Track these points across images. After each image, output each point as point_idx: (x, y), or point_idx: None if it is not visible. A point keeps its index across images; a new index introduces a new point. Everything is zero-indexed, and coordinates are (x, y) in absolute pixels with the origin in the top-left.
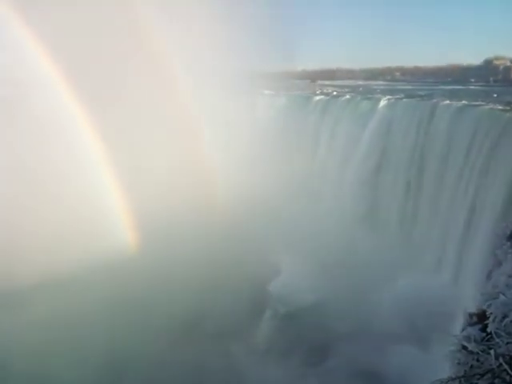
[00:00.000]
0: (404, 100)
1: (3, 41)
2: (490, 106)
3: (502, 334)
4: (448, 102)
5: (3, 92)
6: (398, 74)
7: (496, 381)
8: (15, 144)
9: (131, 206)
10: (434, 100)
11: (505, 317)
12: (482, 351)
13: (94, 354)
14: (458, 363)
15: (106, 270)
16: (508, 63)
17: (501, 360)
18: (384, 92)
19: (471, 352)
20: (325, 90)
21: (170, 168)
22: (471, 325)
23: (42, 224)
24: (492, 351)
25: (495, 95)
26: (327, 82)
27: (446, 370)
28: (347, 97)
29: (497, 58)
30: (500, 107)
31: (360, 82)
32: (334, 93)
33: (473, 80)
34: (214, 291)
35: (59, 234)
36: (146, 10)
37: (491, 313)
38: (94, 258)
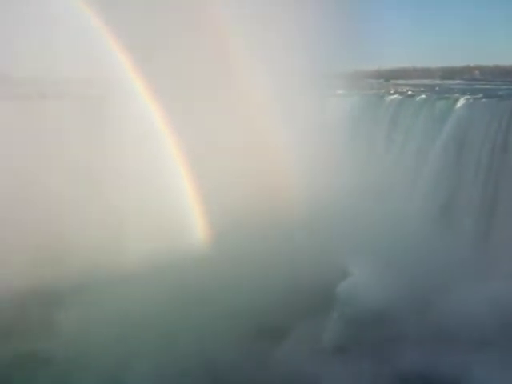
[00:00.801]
0: (483, 100)
1: (87, 40)
2: None
3: None
4: None
5: (89, 92)
6: (477, 72)
7: None
8: (98, 142)
9: (204, 203)
10: None
11: None
12: None
13: (160, 353)
14: None
15: (175, 267)
16: None
17: None
18: (462, 91)
19: None
20: (399, 90)
21: (245, 169)
22: None
23: (112, 217)
24: None
25: None
26: (402, 81)
27: None
28: (423, 96)
29: None
30: None
31: (437, 81)
32: (409, 92)
33: None
34: (281, 291)
35: (129, 226)
36: (223, 9)
37: None
38: (164, 254)
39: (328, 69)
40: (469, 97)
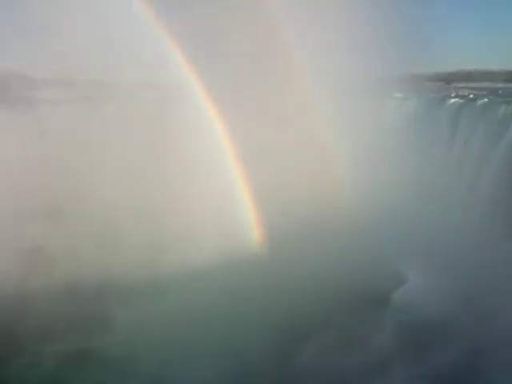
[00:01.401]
0: None
1: (149, 42)
2: None
3: None
4: None
5: (150, 95)
6: None
7: None
8: (159, 144)
9: (259, 203)
10: None
11: None
12: None
13: (217, 354)
14: None
15: (233, 266)
16: None
17: None
18: None
19: None
20: (460, 93)
21: (300, 170)
22: None
23: (174, 218)
24: None
25: None
26: (463, 84)
27: None
28: (485, 100)
29: None
30: None
31: (499, 85)
32: (471, 95)
33: None
34: (334, 295)
35: (186, 227)
36: (282, 10)
37: None
38: (220, 254)
39: (386, 71)
40: None
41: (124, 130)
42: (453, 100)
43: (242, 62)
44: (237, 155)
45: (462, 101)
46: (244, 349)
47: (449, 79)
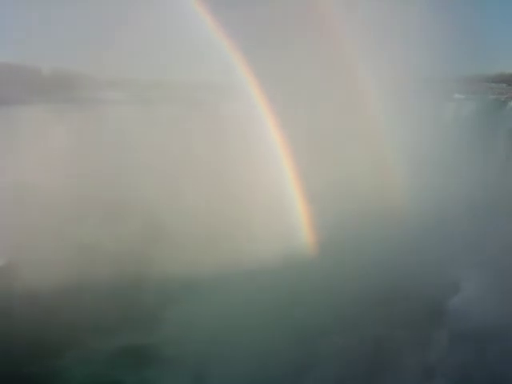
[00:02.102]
0: None
1: (203, 45)
2: None
3: None
4: None
5: (200, 96)
6: None
7: None
8: (207, 144)
9: (311, 203)
10: None
11: None
12: None
13: (262, 354)
14: None
15: (283, 267)
16: None
17: None
18: None
19: None
20: None
21: (350, 168)
22: None
23: (226, 218)
24: None
25: None
26: None
27: None
28: None
29: None
30: None
31: None
32: None
33: None
34: (386, 301)
35: (238, 226)
36: (338, 9)
37: None
38: (272, 254)
39: (447, 72)
40: None
41: (181, 130)
42: None
43: (299, 61)
44: (290, 154)
45: None
46: (290, 350)
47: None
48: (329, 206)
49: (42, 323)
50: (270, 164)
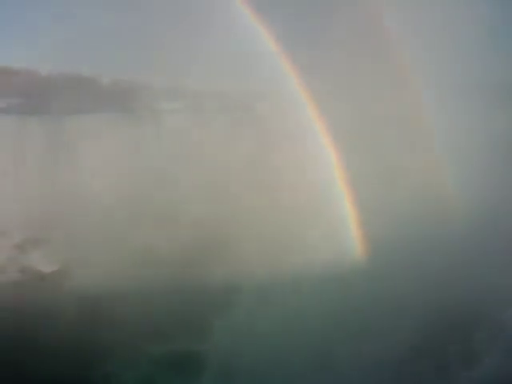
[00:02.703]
0: None
1: (257, 54)
2: None
3: None
4: None
5: (255, 105)
6: None
7: None
8: (260, 153)
9: (361, 210)
10: None
11: None
12: None
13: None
14: None
15: (333, 276)
16: None
17: None
18: None
19: None
20: None
21: (401, 173)
22: None
23: (275, 225)
24: None
25: None
26: None
27: None
28: None
29: None
30: None
31: None
32: None
33: None
34: (440, 314)
35: (287, 234)
36: (387, 10)
37: None
38: (321, 262)
39: (497, 77)
40: None
41: (235, 139)
42: None
43: (353, 68)
44: (340, 162)
45: None
46: (340, 361)
47: None
48: (378, 213)
49: (96, 326)
50: (324, 173)
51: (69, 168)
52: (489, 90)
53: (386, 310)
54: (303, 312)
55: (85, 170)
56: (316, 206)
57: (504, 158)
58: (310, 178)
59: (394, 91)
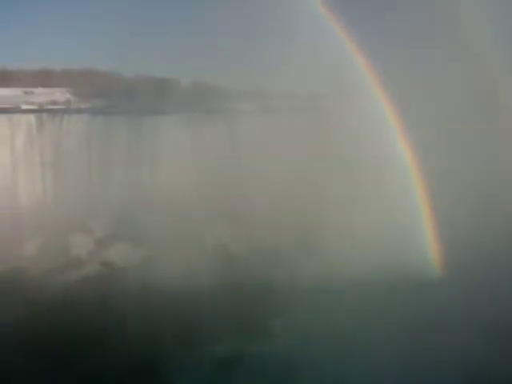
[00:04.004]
0: None
1: (331, 56)
2: None
3: None
4: None
5: (326, 105)
6: None
7: None
8: (333, 154)
9: (436, 218)
10: None
11: None
12: None
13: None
14: None
15: (403, 284)
16: None
17: None
18: None
19: None
20: None
21: (481, 176)
22: None
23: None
24: None
25: None
26: None
27: None
28: None
29: None
30: None
31: None
32: None
33: None
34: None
35: (358, 238)
36: (465, 8)
37: None
38: (389, 269)
39: None
40: None
41: (308, 140)
42: None
43: (430, 68)
44: (415, 162)
45: None
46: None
47: None
48: (457, 219)
49: (166, 322)
50: (393, 172)
51: (149, 167)
52: None
53: (458, 317)
54: (375, 316)
55: (164, 169)
56: (390, 206)
57: None
58: (386, 178)
59: (477, 91)
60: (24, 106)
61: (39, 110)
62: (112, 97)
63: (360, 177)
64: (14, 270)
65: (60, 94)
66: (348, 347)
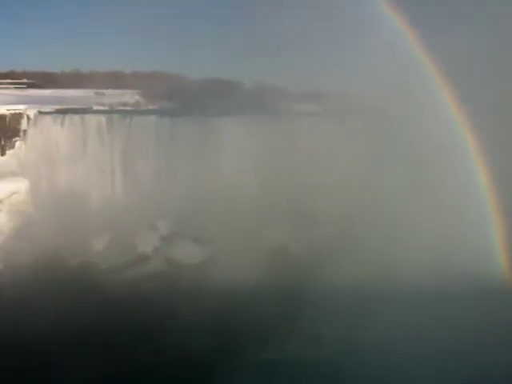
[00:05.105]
0: None
1: (394, 56)
2: None
3: None
4: None
5: (390, 107)
6: None
7: None
8: (398, 157)
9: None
10: None
11: None
12: None
13: None
14: None
15: (469, 290)
16: None
17: None
18: None
19: None
20: None
21: None
22: None
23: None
24: None
25: None
26: None
27: None
28: None
29: None
30: None
31: None
32: None
33: None
34: None
35: (423, 240)
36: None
37: None
38: (456, 274)
39: None
40: None
41: (373, 142)
42: None
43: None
44: (486, 166)
45: None
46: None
47: None
48: None
49: (224, 321)
50: (458, 173)
51: (214, 168)
52: None
53: None
54: (440, 325)
55: (228, 170)
56: (458, 207)
57: None
58: (453, 179)
59: None
60: (95, 107)
61: (109, 111)
62: (179, 98)
63: (426, 178)
64: (84, 265)
65: (130, 96)
66: (405, 359)
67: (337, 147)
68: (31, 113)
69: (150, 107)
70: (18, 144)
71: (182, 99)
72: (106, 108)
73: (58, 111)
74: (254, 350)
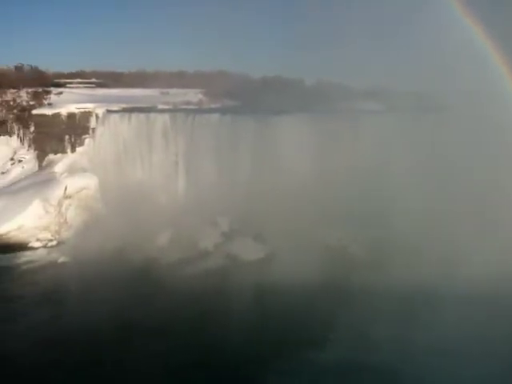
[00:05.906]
0: None
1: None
2: None
3: None
4: None
5: (458, 105)
6: None
7: None
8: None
9: None
10: None
11: None
12: None
13: None
14: None
15: None
16: None
17: None
18: None
19: None
20: None
21: None
22: None
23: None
24: None
25: None
26: None
27: None
28: None
29: None
30: None
31: None
32: None
33: None
34: None
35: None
36: None
37: None
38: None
39: None
40: None
41: (432, 139)
42: None
43: None
44: None
45: None
46: None
47: None
48: None
49: (276, 319)
50: None
51: (275, 165)
52: None
53: None
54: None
55: (289, 168)
56: None
57: None
58: None
59: None
60: (160, 106)
61: (173, 110)
62: (241, 97)
63: (496, 177)
64: (149, 259)
65: (193, 95)
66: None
67: (399, 145)
68: (100, 111)
69: (213, 106)
70: (87, 141)
71: (243, 98)
72: (170, 107)
73: (124, 110)
74: (308, 348)
